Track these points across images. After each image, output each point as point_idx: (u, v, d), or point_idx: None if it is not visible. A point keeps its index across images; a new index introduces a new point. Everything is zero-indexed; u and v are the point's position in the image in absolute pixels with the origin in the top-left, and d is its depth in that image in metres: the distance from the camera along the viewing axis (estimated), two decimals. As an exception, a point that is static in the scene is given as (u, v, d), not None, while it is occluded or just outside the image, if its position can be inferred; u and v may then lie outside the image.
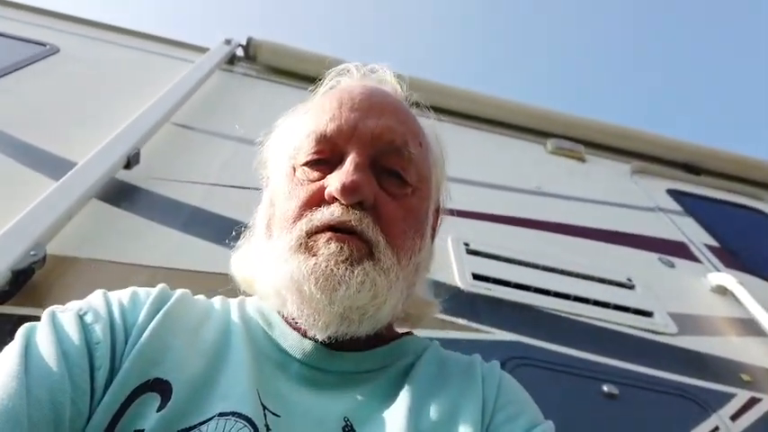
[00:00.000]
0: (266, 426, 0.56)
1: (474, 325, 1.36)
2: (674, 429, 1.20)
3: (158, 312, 0.63)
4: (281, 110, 2.42)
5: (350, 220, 0.63)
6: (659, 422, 1.22)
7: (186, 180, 1.66)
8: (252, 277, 0.75)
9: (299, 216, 0.65)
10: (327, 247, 0.62)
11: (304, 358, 0.66)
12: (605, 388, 1.25)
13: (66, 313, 0.61)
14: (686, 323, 1.58)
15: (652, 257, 1.92)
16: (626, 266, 1.79)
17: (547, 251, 1.76)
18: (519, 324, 1.40)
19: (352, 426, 0.60)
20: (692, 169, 2.84)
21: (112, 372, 0.57)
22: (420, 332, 1.31)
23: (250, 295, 0.78)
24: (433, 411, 0.62)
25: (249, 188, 1.68)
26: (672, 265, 1.89)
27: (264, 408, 0.58)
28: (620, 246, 1.94)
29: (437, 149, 0.79)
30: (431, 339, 1.31)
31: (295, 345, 0.67)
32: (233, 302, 0.74)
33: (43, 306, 1.10)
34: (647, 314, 1.57)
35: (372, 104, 0.71)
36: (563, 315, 1.49)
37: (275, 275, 0.64)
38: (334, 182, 0.64)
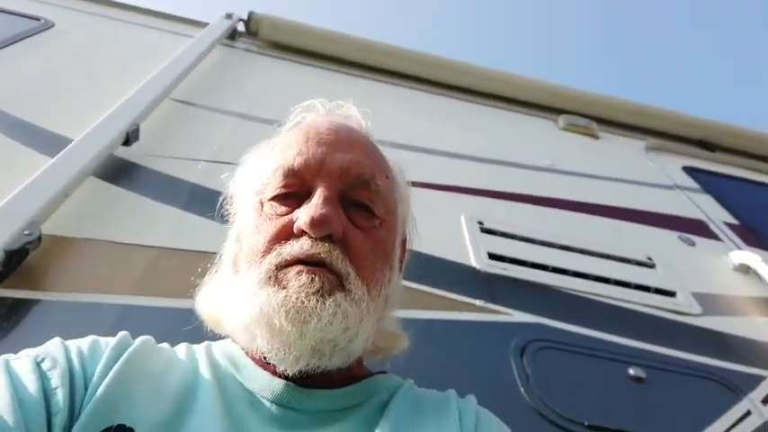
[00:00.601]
0: None
1: (492, 306, 1.30)
2: (704, 414, 1.14)
3: (119, 359, 0.60)
4: (284, 86, 2.35)
5: (319, 253, 0.62)
6: (689, 406, 1.16)
7: (186, 157, 1.59)
8: (218, 314, 0.73)
9: (269, 250, 0.64)
10: (298, 279, 0.61)
11: (275, 398, 0.64)
12: (632, 371, 1.19)
13: (21, 360, 0.58)
14: (710, 303, 1.51)
15: (671, 236, 1.85)
16: (645, 245, 1.73)
17: (563, 229, 1.69)
18: (538, 305, 1.34)
19: None
20: (706, 146, 2.77)
21: (71, 419, 0.54)
22: (435, 313, 1.26)
23: (216, 337, 0.76)
24: None
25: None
26: (692, 244, 1.83)
27: None
28: (638, 224, 1.87)
29: (403, 183, 0.79)
30: (445, 321, 1.27)
31: (265, 385, 0.65)
32: (198, 348, 0.71)
33: (39, 288, 1.06)
34: (670, 294, 1.51)
35: (339, 139, 0.71)
36: (583, 295, 1.42)
37: (244, 309, 0.63)
38: (303, 215, 0.64)
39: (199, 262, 1.16)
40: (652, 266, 1.62)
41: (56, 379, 0.56)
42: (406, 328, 1.17)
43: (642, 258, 1.64)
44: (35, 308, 1.00)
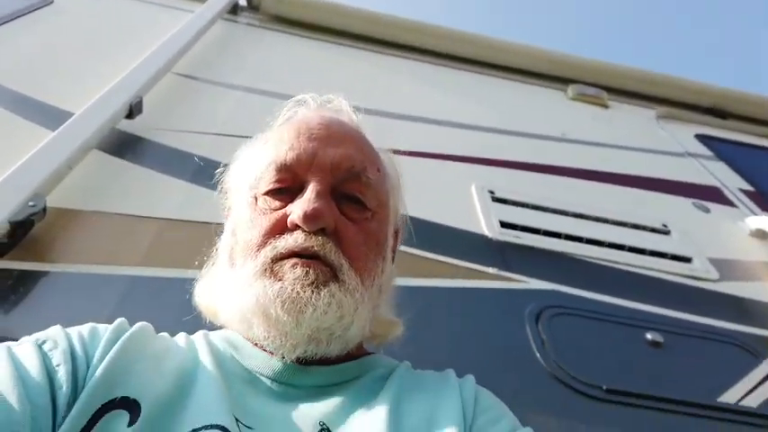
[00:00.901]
0: None
1: (505, 274, 1.28)
2: (723, 377, 1.12)
3: (119, 340, 0.61)
4: (287, 60, 2.31)
5: (313, 246, 0.64)
6: (708, 370, 1.14)
7: (192, 130, 1.56)
8: (216, 306, 0.75)
9: (263, 244, 0.66)
10: (293, 271, 0.62)
11: (274, 375, 0.65)
12: (649, 336, 1.17)
13: (22, 345, 0.59)
14: (727, 268, 1.49)
15: (686, 203, 1.82)
16: (660, 212, 1.69)
17: (576, 198, 1.66)
18: (552, 272, 1.32)
19: (328, 429, 0.59)
20: (718, 113, 2.71)
21: (75, 394, 0.55)
22: (449, 281, 1.24)
23: (214, 328, 0.76)
24: (413, 412, 0.62)
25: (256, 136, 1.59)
26: (707, 210, 1.79)
27: (237, 420, 0.57)
28: (652, 191, 1.84)
29: (394, 175, 0.80)
30: (459, 289, 1.25)
31: (263, 363, 0.66)
32: (196, 336, 0.72)
33: (45, 260, 1.04)
34: (686, 260, 1.48)
35: (330, 133, 0.72)
36: (598, 262, 1.40)
37: (240, 301, 0.64)
38: (297, 210, 0.65)
39: (205, 233, 1.15)
40: (667, 233, 1.59)
41: (57, 357, 0.57)
42: (418, 296, 1.16)
43: (657, 225, 1.61)
44: (42, 279, 0.99)
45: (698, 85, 2.77)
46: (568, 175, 1.83)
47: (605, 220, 1.57)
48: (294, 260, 0.63)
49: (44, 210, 1.07)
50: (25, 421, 0.49)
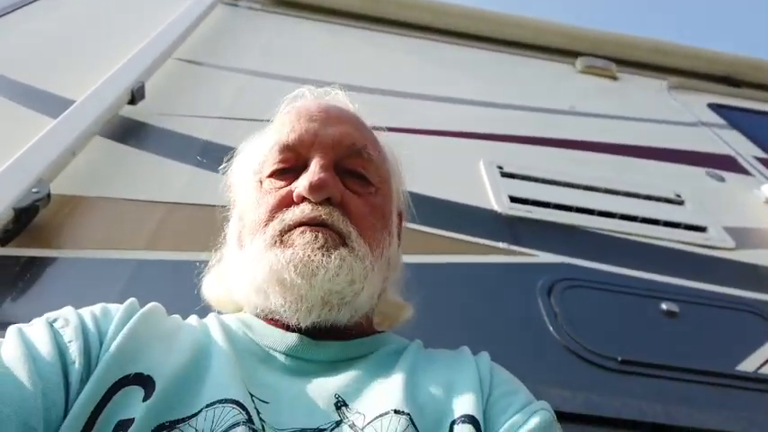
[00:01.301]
0: (256, 410, 0.55)
1: (516, 248, 1.26)
2: (741, 345, 1.10)
3: (131, 318, 0.60)
4: (289, 42, 2.29)
5: (320, 215, 0.64)
6: (726, 338, 1.12)
7: (195, 114, 1.55)
8: (226, 293, 0.75)
9: (271, 218, 0.66)
10: (302, 236, 0.63)
11: (287, 350, 0.64)
12: (664, 306, 1.15)
13: (33, 325, 0.58)
14: (743, 237, 1.46)
15: (699, 172, 1.78)
16: (673, 182, 1.66)
17: (586, 171, 1.63)
18: (564, 245, 1.30)
19: (344, 401, 0.59)
20: (731, 82, 2.65)
21: (88, 368, 0.54)
22: (459, 257, 1.23)
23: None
24: (430, 382, 0.62)
25: (262, 120, 1.58)
26: (721, 179, 1.75)
27: (252, 396, 0.56)
28: (664, 162, 1.81)
29: (393, 159, 0.81)
30: (470, 264, 1.24)
31: (277, 340, 0.65)
32: (208, 317, 0.71)
33: (51, 246, 1.04)
34: (701, 229, 1.45)
35: (329, 115, 0.73)
36: (610, 234, 1.37)
37: (254, 271, 0.64)
38: (302, 182, 0.66)
39: (210, 215, 1.14)
40: (681, 203, 1.56)
41: (69, 334, 0.56)
42: (428, 273, 1.15)
43: (670, 195, 1.58)
44: (48, 265, 0.99)
45: (710, 54, 2.71)
46: (578, 148, 1.80)
47: (617, 192, 1.54)
48: (303, 227, 0.64)
49: (48, 196, 1.06)
50: (36, 397, 0.49)
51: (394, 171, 0.79)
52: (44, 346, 0.54)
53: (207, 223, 1.12)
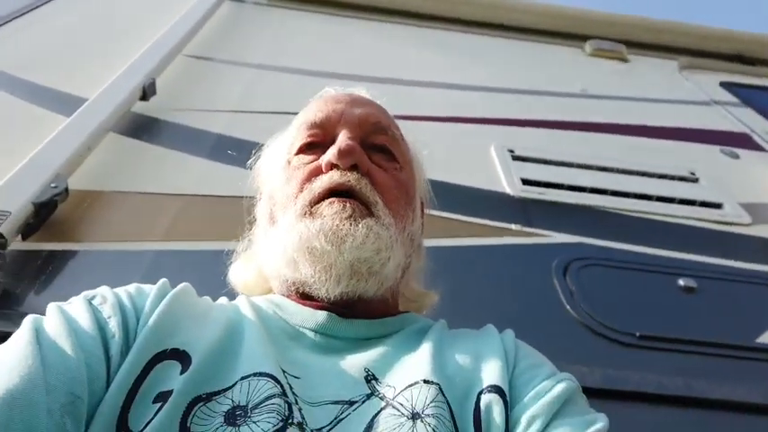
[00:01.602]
0: (288, 385, 0.56)
1: (529, 230, 1.26)
2: (761, 317, 1.09)
3: (165, 297, 0.62)
4: (297, 35, 2.29)
5: (349, 180, 0.67)
6: (744, 311, 1.11)
7: (206, 109, 1.56)
8: (255, 276, 0.77)
9: (301, 190, 0.69)
10: (330, 207, 0.65)
11: (317, 328, 0.65)
12: (682, 282, 1.14)
13: (72, 303, 0.60)
14: (760, 212, 1.44)
15: (713, 150, 1.76)
16: (687, 161, 1.65)
17: (600, 152, 1.62)
18: (578, 226, 1.29)
19: (374, 374, 0.60)
20: (744, 60, 2.62)
21: (127, 342, 0.56)
22: (472, 240, 1.23)
23: None
24: (457, 356, 0.63)
25: (273, 113, 1.59)
26: (736, 156, 1.74)
27: (284, 371, 0.57)
28: (678, 141, 1.79)
29: (415, 152, 0.82)
30: (484, 247, 1.24)
31: (307, 317, 0.66)
32: (238, 298, 0.73)
33: (71, 239, 1.05)
34: (716, 206, 1.44)
35: (354, 99, 0.77)
36: (625, 213, 1.37)
37: (285, 243, 0.66)
38: (330, 151, 0.69)
39: (224, 206, 1.16)
40: (695, 181, 1.55)
41: (107, 310, 0.58)
42: (442, 256, 1.15)
43: (684, 173, 1.57)
44: (69, 258, 1.00)
45: (722, 33, 2.68)
46: (590, 130, 1.79)
47: (630, 172, 1.53)
48: (330, 199, 0.66)
49: (66, 191, 1.08)
50: (80, 368, 0.50)
51: (416, 159, 0.81)
52: (85, 321, 0.55)
53: (221, 214, 1.15)
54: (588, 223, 1.31)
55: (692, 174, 1.57)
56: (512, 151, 1.56)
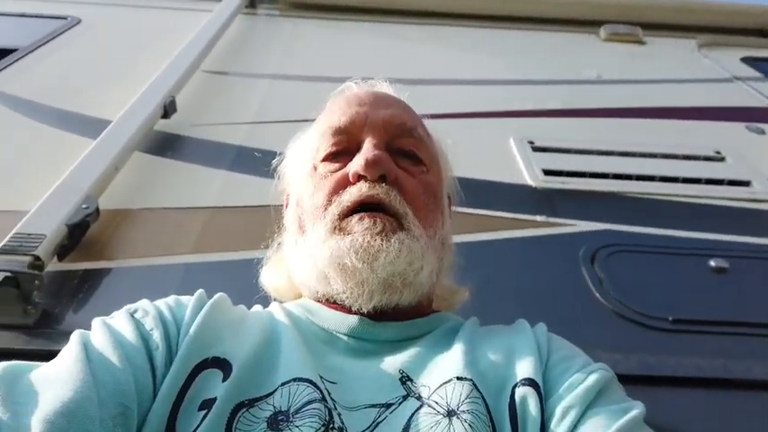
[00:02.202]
0: (327, 390, 0.57)
1: (554, 220, 1.25)
2: (799, 296, 1.07)
3: (203, 308, 0.63)
4: (311, 43, 2.31)
5: (378, 193, 0.66)
6: (781, 290, 1.09)
7: (226, 122, 1.59)
8: (286, 281, 0.78)
9: (329, 202, 0.68)
10: (361, 224, 0.65)
11: (350, 332, 0.66)
12: (713, 263, 1.12)
13: (115, 317, 0.62)
14: (791, 188, 1.41)
15: (738, 127, 1.73)
16: (711, 140, 1.62)
17: (620, 137, 1.61)
18: (603, 213, 1.28)
19: (408, 376, 0.60)
20: (765, 33, 2.56)
21: (170, 353, 0.58)
22: (496, 234, 1.23)
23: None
24: (489, 352, 0.63)
25: (290, 121, 1.61)
26: (762, 132, 1.70)
27: (321, 377, 0.58)
28: (701, 120, 1.76)
29: (441, 147, 0.82)
30: (510, 240, 1.24)
31: (339, 322, 0.67)
32: (271, 305, 0.74)
33: (105, 258, 1.08)
34: (744, 184, 1.41)
35: (378, 99, 0.75)
36: (651, 197, 1.35)
37: (315, 258, 0.66)
38: (357, 161, 0.68)
39: (249, 216, 1.18)
40: (722, 159, 1.52)
41: (149, 323, 0.60)
42: (469, 251, 1.15)
43: (710, 153, 1.54)
44: (104, 276, 1.03)
45: (740, 8, 2.63)
46: (610, 116, 1.77)
47: (654, 155, 1.51)
48: (360, 214, 0.66)
49: (97, 211, 1.11)
50: (129, 381, 0.52)
51: (442, 154, 0.81)
52: (129, 335, 0.57)
53: (247, 223, 1.17)
54: (613, 210, 1.30)
55: (718, 153, 1.54)
56: (531, 142, 1.55)
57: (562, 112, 1.77)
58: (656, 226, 1.24)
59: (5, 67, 1.82)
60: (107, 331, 0.57)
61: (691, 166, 1.48)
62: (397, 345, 0.66)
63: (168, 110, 1.52)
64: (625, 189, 1.37)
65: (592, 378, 0.58)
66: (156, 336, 0.58)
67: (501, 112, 1.75)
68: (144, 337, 0.58)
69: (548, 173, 1.41)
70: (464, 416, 0.54)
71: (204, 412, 0.52)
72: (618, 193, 1.36)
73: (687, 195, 1.36)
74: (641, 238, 1.21)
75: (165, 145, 1.45)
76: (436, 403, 0.56)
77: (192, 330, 0.59)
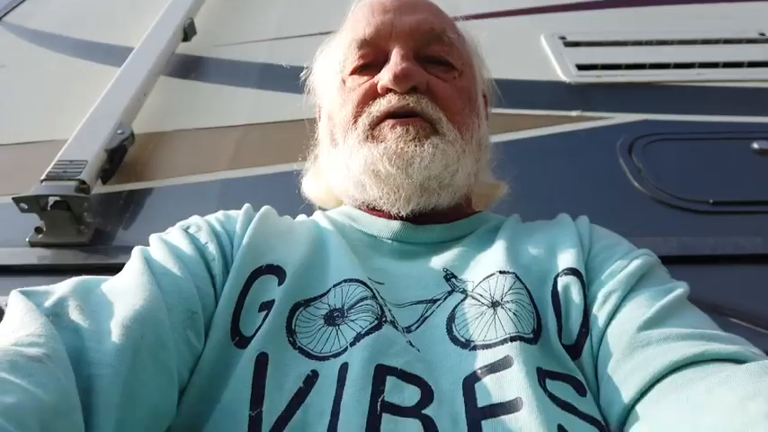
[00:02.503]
0: (376, 290, 0.58)
1: (589, 114, 1.23)
2: None
3: (252, 220, 0.65)
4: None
5: (408, 104, 0.65)
6: (828, 168, 1.06)
7: (247, 41, 1.56)
8: (326, 190, 0.79)
9: (359, 113, 0.67)
10: (393, 131, 0.64)
11: (393, 236, 0.67)
12: (756, 145, 1.09)
13: (170, 233, 0.63)
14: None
15: (783, 6, 1.63)
16: (753, 22, 1.53)
17: (655, 26, 1.53)
18: (640, 104, 1.24)
19: (452, 273, 0.62)
20: None
21: (226, 264, 0.59)
22: (533, 132, 1.21)
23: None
24: (531, 246, 0.64)
25: (311, 34, 1.57)
26: (811, 8, 1.60)
27: (369, 278, 0.59)
28: (742, 2, 1.65)
29: (472, 44, 0.79)
30: (546, 137, 1.22)
31: (383, 227, 0.68)
32: (315, 214, 0.75)
33: (145, 178, 1.11)
34: (790, 64, 1.34)
35: (403, 4, 0.72)
36: (690, 84, 1.30)
37: (350, 166, 0.67)
38: (385, 74, 0.66)
39: (285, 131, 1.19)
40: (766, 41, 1.44)
41: (203, 237, 0.61)
42: (506, 151, 1.14)
43: (753, 35, 1.46)
44: (147, 195, 1.07)
45: None
46: (643, 4, 1.68)
47: (692, 42, 1.44)
48: (392, 121, 0.65)
49: (132, 135, 1.13)
50: (192, 289, 0.54)
51: (475, 54, 0.79)
52: (186, 248, 0.59)
53: (280, 138, 1.18)
54: (650, 100, 1.26)
55: (762, 34, 1.46)
56: (563, 38, 1.49)
57: (593, 4, 1.68)
58: (697, 113, 1.20)
59: (22, 2, 1.80)
60: (165, 246, 0.59)
61: (732, 49, 1.41)
62: (439, 246, 0.67)
63: (188, 32, 1.50)
64: (663, 78, 1.32)
65: (635, 263, 0.58)
66: (212, 248, 0.60)
67: (530, 8, 1.68)
68: (200, 249, 0.60)
69: (581, 67, 1.36)
70: (508, 305, 0.55)
71: (265, 312, 0.55)
72: (655, 83, 1.31)
73: (728, 80, 1.30)
74: (681, 125, 1.18)
75: (190, 68, 1.44)
76: (480, 296, 0.57)
77: (244, 241, 0.61)
